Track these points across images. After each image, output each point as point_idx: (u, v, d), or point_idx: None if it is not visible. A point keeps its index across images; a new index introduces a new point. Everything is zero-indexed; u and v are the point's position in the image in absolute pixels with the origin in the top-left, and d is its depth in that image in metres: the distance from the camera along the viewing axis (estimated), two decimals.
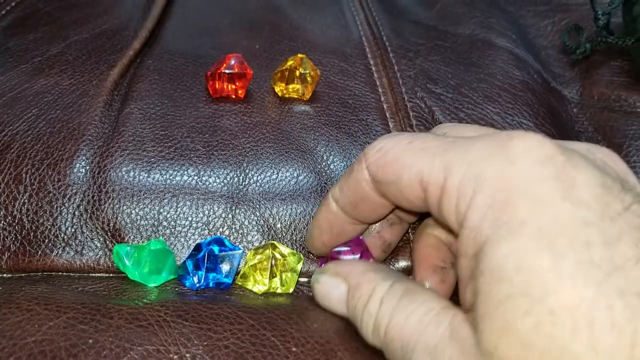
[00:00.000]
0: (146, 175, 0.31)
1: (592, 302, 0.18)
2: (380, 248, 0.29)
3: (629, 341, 0.18)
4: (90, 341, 0.24)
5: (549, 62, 0.41)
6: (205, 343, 0.24)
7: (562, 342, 0.18)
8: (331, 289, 0.26)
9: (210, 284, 0.29)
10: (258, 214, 0.31)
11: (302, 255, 0.29)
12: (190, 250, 0.30)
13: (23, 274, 0.29)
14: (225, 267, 0.29)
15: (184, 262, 0.29)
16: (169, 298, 0.27)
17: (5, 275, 0.29)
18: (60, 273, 0.29)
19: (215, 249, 0.29)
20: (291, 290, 0.29)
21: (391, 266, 0.30)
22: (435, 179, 0.22)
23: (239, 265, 0.29)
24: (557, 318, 0.18)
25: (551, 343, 0.18)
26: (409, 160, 0.24)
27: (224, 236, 0.30)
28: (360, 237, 0.29)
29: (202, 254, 0.28)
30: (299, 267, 0.29)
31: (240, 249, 0.29)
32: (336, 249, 0.29)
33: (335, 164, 0.33)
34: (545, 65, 0.40)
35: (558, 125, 0.35)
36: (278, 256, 0.28)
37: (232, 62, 0.35)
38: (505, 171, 0.21)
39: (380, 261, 0.30)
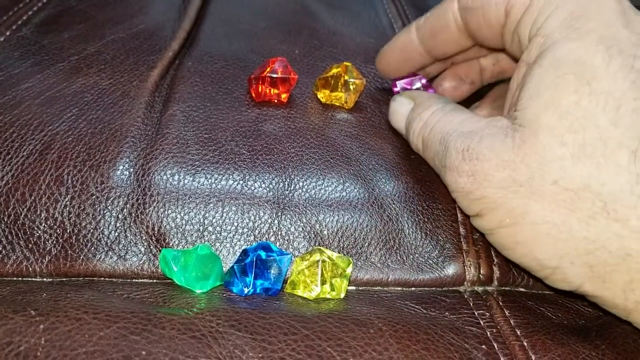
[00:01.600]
0: (191, 179, 0.30)
1: (623, 93, 0.23)
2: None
3: None
4: (144, 353, 0.23)
5: None
6: (260, 355, 0.24)
7: (592, 114, 0.23)
8: (401, 105, 0.32)
9: (258, 290, 0.28)
10: (304, 220, 0.30)
11: (350, 259, 0.28)
12: (236, 256, 0.29)
13: (64, 279, 0.28)
14: (273, 272, 0.28)
15: (232, 267, 0.28)
16: (219, 306, 0.26)
17: (45, 279, 0.28)
18: (102, 278, 0.29)
19: (262, 254, 0.28)
20: (342, 295, 0.28)
21: (440, 272, 0.29)
22: (522, 1, 0.27)
23: (287, 270, 0.29)
24: (594, 97, 0.23)
25: (584, 114, 0.23)
26: None
27: (270, 241, 0.29)
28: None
29: (249, 259, 0.28)
30: (349, 270, 0.28)
31: (288, 254, 0.28)
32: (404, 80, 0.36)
33: (382, 173, 0.32)
34: None
35: None
36: (326, 259, 0.28)
37: (277, 66, 0.34)
38: None
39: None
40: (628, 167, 0.22)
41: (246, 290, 0.27)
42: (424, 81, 0.36)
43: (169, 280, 0.28)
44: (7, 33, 0.38)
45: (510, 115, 0.26)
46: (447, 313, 0.27)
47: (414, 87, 0.36)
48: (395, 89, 0.36)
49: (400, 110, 0.32)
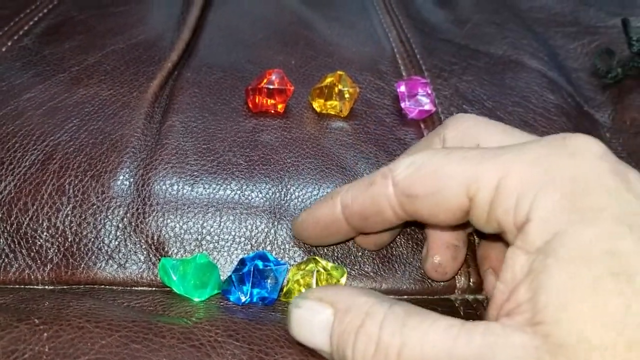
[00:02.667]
0: (190, 188, 0.31)
1: None
2: (389, 233, 0.30)
3: None
4: None
5: (580, 85, 0.41)
6: None
7: None
8: (314, 314, 0.23)
9: (255, 299, 0.29)
10: None
11: (345, 270, 0.29)
12: (234, 265, 0.30)
13: (65, 286, 0.29)
14: (269, 282, 0.29)
15: (229, 277, 0.29)
16: (217, 316, 0.27)
17: (47, 287, 0.29)
18: (103, 286, 0.29)
19: (260, 263, 0.29)
20: None
21: (432, 281, 0.30)
22: (487, 182, 0.22)
23: (283, 280, 0.29)
24: None
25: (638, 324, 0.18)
26: (452, 169, 0.23)
27: (267, 251, 0.30)
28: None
29: (246, 268, 0.28)
30: (343, 280, 0.29)
31: (285, 264, 0.29)
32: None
33: None
34: (576, 88, 0.41)
35: None
36: (321, 270, 0.29)
37: (273, 77, 0.35)
38: (572, 165, 0.21)
39: (387, 243, 0.30)
40: None
41: (243, 299, 0.28)
42: (428, 90, 0.36)
43: (168, 289, 0.29)
44: (9, 43, 0.39)
45: (531, 328, 0.20)
46: None
47: (419, 95, 0.36)
48: (400, 90, 0.37)
49: (312, 321, 0.23)
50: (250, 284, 0.28)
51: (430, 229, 0.29)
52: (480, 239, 0.31)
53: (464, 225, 0.27)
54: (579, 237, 0.20)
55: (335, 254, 0.30)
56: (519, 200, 0.21)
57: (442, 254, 0.29)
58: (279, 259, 0.30)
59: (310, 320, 0.23)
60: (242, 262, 0.29)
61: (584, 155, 0.22)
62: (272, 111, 0.36)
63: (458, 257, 0.29)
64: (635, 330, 0.18)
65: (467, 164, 0.23)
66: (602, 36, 0.44)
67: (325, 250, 0.30)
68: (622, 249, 0.19)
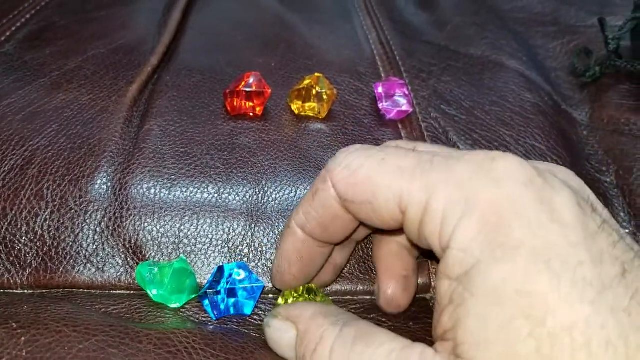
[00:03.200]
0: (167, 192, 0.31)
1: (588, 322, 0.19)
2: (332, 272, 0.29)
3: (623, 357, 0.18)
4: None
5: (559, 84, 0.41)
6: None
7: None
8: (281, 333, 0.25)
9: (231, 311, 0.29)
10: (277, 232, 0.31)
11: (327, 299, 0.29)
12: (211, 268, 0.30)
13: (44, 290, 0.29)
14: (246, 295, 0.29)
15: (206, 285, 0.29)
16: (193, 326, 0.27)
17: (26, 291, 0.29)
18: (81, 290, 0.30)
19: (237, 281, 0.28)
20: None
21: None
22: (417, 201, 0.22)
23: (258, 298, 0.29)
24: (557, 340, 0.19)
25: None
26: (385, 180, 0.23)
27: (244, 256, 0.30)
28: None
29: (221, 285, 0.28)
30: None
31: (262, 284, 0.29)
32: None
33: None
34: (555, 87, 0.41)
35: (569, 148, 0.36)
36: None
37: (251, 80, 0.35)
38: (493, 193, 0.21)
39: (330, 283, 0.30)
40: None
41: (215, 314, 0.28)
42: (406, 90, 0.37)
43: (145, 292, 0.29)
44: None
45: (450, 353, 0.21)
46: (410, 323, 0.29)
47: (396, 95, 0.37)
48: (378, 91, 0.37)
49: (281, 340, 0.25)
50: (225, 295, 0.28)
51: (378, 264, 0.29)
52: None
53: (411, 249, 0.28)
54: (492, 274, 0.20)
55: None
56: (442, 225, 0.21)
57: (393, 287, 0.29)
58: (257, 263, 0.30)
59: (279, 340, 0.25)
60: (220, 271, 0.29)
61: (507, 181, 0.21)
62: (251, 114, 0.36)
63: (409, 288, 0.29)
64: None
65: (401, 177, 0.23)
66: (582, 35, 0.44)
67: None
68: (536, 289, 0.19)
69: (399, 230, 0.25)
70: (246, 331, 0.28)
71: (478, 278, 0.20)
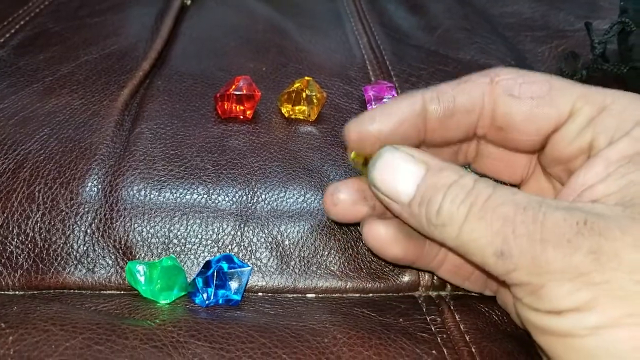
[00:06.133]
0: (157, 193, 0.31)
1: None
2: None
3: None
4: None
5: None
6: None
7: None
8: (407, 163, 0.24)
9: (220, 301, 0.29)
10: (266, 231, 0.31)
11: None
12: (200, 267, 0.30)
13: (36, 292, 0.30)
14: (234, 284, 0.29)
15: (194, 279, 0.29)
16: (181, 317, 0.27)
17: (18, 292, 0.30)
18: (72, 291, 0.30)
19: (225, 266, 0.29)
20: None
21: (396, 278, 0.31)
22: (594, 101, 0.23)
23: (247, 282, 0.30)
24: None
25: None
26: (564, 84, 0.24)
27: (232, 253, 0.31)
28: None
29: (211, 271, 0.29)
30: None
31: (249, 266, 0.30)
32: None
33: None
34: None
35: None
36: None
37: (241, 83, 0.35)
38: None
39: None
40: None
41: (207, 301, 0.29)
42: (394, 93, 0.37)
43: (136, 292, 0.30)
44: None
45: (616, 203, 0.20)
46: (401, 319, 0.29)
47: (385, 98, 0.37)
48: (367, 94, 0.38)
49: (402, 167, 0.24)
50: (214, 286, 0.29)
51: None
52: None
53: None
54: None
55: (302, 254, 0.31)
56: (623, 116, 0.23)
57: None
58: (246, 261, 0.31)
59: (399, 167, 0.24)
60: (207, 265, 0.29)
61: None
62: (241, 117, 0.36)
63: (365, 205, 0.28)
64: None
65: (578, 85, 0.24)
66: (570, 39, 0.45)
67: (292, 251, 0.31)
68: None
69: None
70: (237, 312, 0.28)
71: None
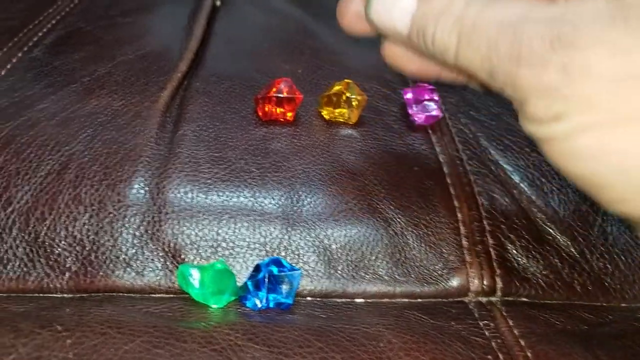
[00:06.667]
0: (204, 196, 0.31)
1: None
2: None
3: None
4: None
5: None
6: None
7: None
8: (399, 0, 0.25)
9: (271, 305, 0.29)
10: (313, 235, 0.31)
11: None
12: (249, 271, 0.30)
13: (84, 294, 0.29)
14: (284, 287, 0.29)
15: (245, 283, 0.29)
16: (236, 320, 0.27)
17: (66, 295, 0.29)
18: (121, 294, 0.30)
19: (274, 269, 0.29)
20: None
21: (445, 283, 0.31)
22: None
23: (298, 285, 0.30)
24: None
25: None
26: None
27: (281, 257, 0.31)
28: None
29: (262, 274, 0.29)
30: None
31: (299, 270, 0.29)
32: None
33: (384, 186, 0.33)
34: None
35: None
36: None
37: (282, 86, 0.35)
38: None
39: None
40: None
41: (259, 305, 0.29)
42: (435, 96, 0.37)
43: (186, 295, 0.29)
44: (19, 54, 0.39)
45: None
46: (453, 323, 0.29)
47: (426, 101, 0.37)
48: (407, 97, 0.37)
49: (401, 5, 0.25)
50: (266, 290, 0.29)
51: None
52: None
53: None
54: None
55: (350, 258, 0.31)
56: None
57: None
58: (294, 265, 0.31)
59: (393, 5, 0.25)
60: (257, 268, 0.29)
61: None
62: (282, 119, 0.36)
63: None
64: None
65: None
66: None
67: (340, 255, 0.31)
68: None
69: None
70: (290, 316, 0.28)
71: None
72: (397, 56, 0.29)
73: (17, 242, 0.30)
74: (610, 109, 0.20)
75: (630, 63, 0.19)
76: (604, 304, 0.32)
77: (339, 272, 0.31)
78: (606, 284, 0.33)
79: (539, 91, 0.21)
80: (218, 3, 0.47)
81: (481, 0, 0.23)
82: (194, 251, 0.30)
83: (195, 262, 0.30)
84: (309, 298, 0.30)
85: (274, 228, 0.31)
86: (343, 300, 0.31)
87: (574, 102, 0.20)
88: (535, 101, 0.21)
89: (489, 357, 0.27)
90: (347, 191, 0.33)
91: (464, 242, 0.32)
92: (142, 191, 0.31)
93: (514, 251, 0.33)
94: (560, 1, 0.22)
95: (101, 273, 0.29)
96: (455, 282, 0.31)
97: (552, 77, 0.20)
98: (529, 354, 0.27)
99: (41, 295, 0.29)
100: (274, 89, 0.35)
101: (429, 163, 0.35)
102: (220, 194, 0.32)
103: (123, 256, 0.30)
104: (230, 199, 0.31)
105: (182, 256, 0.30)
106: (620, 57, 0.19)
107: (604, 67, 0.20)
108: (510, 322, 0.29)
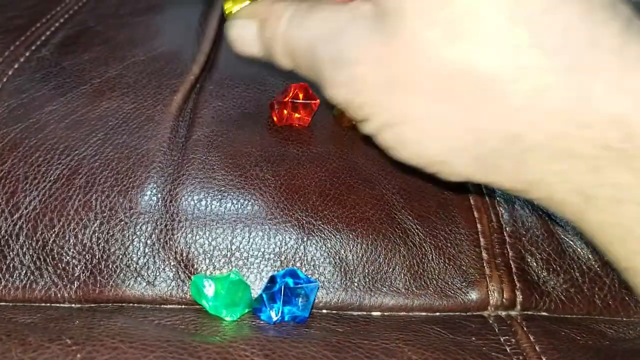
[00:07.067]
0: (218, 204, 0.30)
1: None
2: None
3: None
4: None
5: None
6: None
7: None
8: (244, 29, 0.27)
9: (286, 318, 0.28)
10: (329, 245, 0.30)
11: None
12: (263, 282, 0.29)
13: (93, 304, 0.29)
14: (301, 300, 0.28)
15: (260, 295, 0.28)
16: (252, 335, 0.26)
17: (74, 305, 0.28)
18: (131, 304, 0.29)
19: (290, 281, 0.28)
20: None
21: (464, 297, 0.30)
22: None
23: (314, 298, 0.29)
24: None
25: None
26: None
27: (296, 268, 0.30)
28: None
29: (277, 286, 0.28)
30: None
31: (316, 282, 0.29)
32: None
33: (401, 194, 0.32)
34: None
35: None
36: None
37: (298, 91, 0.34)
38: None
39: None
40: (504, 35, 0.20)
41: (274, 318, 0.28)
42: None
43: (198, 306, 0.29)
44: (27, 54, 0.39)
45: (373, 1, 0.23)
46: (473, 338, 0.28)
47: None
48: None
49: (245, 35, 0.27)
50: (281, 302, 0.28)
51: None
52: None
53: None
54: None
55: (367, 270, 0.30)
56: None
57: None
58: (309, 276, 0.30)
59: (244, 36, 0.27)
60: (272, 280, 0.28)
61: None
62: (297, 125, 0.35)
63: None
64: None
65: None
66: None
67: (356, 266, 0.30)
68: None
69: None
70: (306, 330, 0.27)
71: None
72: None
73: (24, 249, 0.29)
74: (390, 111, 0.23)
75: (391, 72, 0.22)
76: (625, 319, 0.32)
77: (356, 284, 0.30)
78: (627, 298, 0.32)
79: (342, 105, 0.24)
80: None
81: (298, 18, 0.25)
82: (207, 261, 0.29)
83: (208, 272, 0.29)
84: (324, 310, 0.30)
85: (290, 238, 0.30)
86: (359, 313, 0.30)
87: (366, 109, 0.23)
88: (346, 111, 0.25)
89: None
90: (365, 200, 0.32)
91: (484, 255, 0.31)
92: (155, 198, 0.30)
93: (534, 264, 0.32)
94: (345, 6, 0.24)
95: (111, 283, 0.29)
96: (474, 296, 0.30)
97: (343, 91, 0.23)
98: None
99: (48, 305, 0.28)
100: (291, 94, 0.34)
101: None
102: (235, 202, 0.31)
103: (134, 265, 0.29)
104: (245, 207, 0.31)
105: (195, 266, 0.29)
106: (384, 69, 0.22)
107: (375, 78, 0.22)
108: (532, 338, 0.28)
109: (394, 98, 0.22)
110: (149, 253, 0.29)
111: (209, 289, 0.27)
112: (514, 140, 0.21)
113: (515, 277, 0.31)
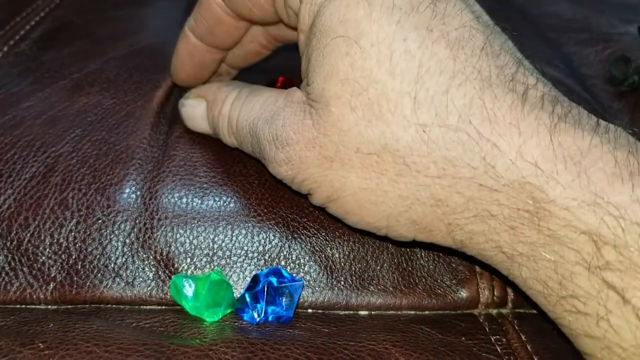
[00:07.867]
0: (199, 201, 0.29)
1: (392, 36, 0.23)
2: (227, 73, 0.35)
3: (417, 63, 0.22)
4: None
5: (596, 92, 0.40)
6: None
7: (369, 72, 0.23)
8: (194, 108, 0.31)
9: (270, 318, 0.27)
10: (314, 242, 0.29)
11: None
12: (247, 281, 0.28)
13: (70, 306, 0.28)
14: (285, 299, 0.27)
15: (243, 295, 0.27)
16: (233, 337, 0.25)
17: (50, 307, 0.27)
18: (109, 306, 0.28)
19: (274, 280, 0.27)
20: None
21: (454, 295, 0.29)
22: None
23: (299, 297, 0.28)
24: (366, 54, 0.23)
25: (361, 75, 0.23)
26: None
27: (281, 266, 0.29)
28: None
29: (260, 286, 0.27)
30: None
31: (300, 280, 0.28)
32: None
33: None
34: (593, 95, 0.40)
35: None
36: None
37: (284, 85, 0.33)
38: None
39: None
40: (412, 116, 0.22)
41: (257, 318, 0.27)
42: None
43: (178, 307, 0.28)
44: (5, 48, 0.38)
45: (305, 89, 0.25)
46: (463, 338, 0.27)
47: None
48: None
49: (195, 114, 0.31)
50: (264, 302, 0.27)
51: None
52: None
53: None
54: (326, 12, 0.24)
55: (354, 268, 0.29)
56: None
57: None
58: (294, 275, 0.29)
59: (194, 113, 0.31)
60: (255, 279, 0.27)
61: None
62: None
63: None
64: (357, 80, 0.23)
65: None
66: (616, 43, 0.43)
67: (343, 265, 0.29)
68: (354, 17, 0.23)
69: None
70: (290, 331, 0.26)
71: (318, 18, 0.24)
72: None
73: None
74: (329, 186, 0.25)
75: (324, 151, 0.24)
76: None
77: (342, 282, 0.29)
78: None
79: (285, 181, 0.27)
80: None
81: (240, 101, 0.28)
82: (188, 260, 0.28)
83: (189, 272, 0.28)
84: (310, 310, 0.29)
85: (274, 236, 0.29)
86: (346, 312, 0.29)
87: (308, 185, 0.26)
88: (289, 186, 0.27)
89: None
90: None
91: None
92: (134, 195, 0.29)
93: None
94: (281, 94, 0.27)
95: (88, 283, 0.28)
96: (464, 294, 0.29)
97: (284, 169, 0.26)
98: None
99: (23, 306, 0.27)
100: (276, 87, 0.33)
101: None
102: (217, 199, 0.30)
103: (112, 265, 0.28)
104: (228, 205, 0.30)
105: (176, 265, 0.28)
106: (317, 148, 0.24)
107: (311, 156, 0.25)
108: (523, 337, 0.27)
109: (331, 174, 0.25)
110: (127, 252, 0.28)
111: (189, 289, 0.27)
112: (439, 205, 0.23)
113: None
